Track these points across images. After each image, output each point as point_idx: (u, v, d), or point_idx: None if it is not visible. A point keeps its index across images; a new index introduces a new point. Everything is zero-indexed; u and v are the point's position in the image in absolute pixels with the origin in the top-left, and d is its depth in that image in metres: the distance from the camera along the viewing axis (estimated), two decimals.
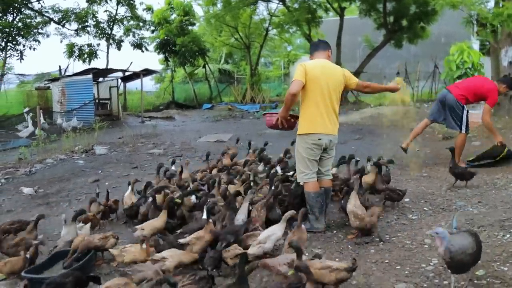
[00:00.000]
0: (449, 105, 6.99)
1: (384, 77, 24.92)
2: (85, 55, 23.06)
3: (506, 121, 10.51)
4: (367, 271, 3.56)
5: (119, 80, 19.81)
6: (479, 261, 3.46)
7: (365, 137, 10.91)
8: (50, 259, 4.21)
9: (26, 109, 14.98)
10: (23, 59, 20.33)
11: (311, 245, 4.19)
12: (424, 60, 21.53)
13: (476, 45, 16.85)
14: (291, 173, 5.53)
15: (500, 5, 10.55)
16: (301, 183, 4.61)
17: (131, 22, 24.70)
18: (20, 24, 20.16)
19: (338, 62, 20.50)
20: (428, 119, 7.61)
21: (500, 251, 3.64)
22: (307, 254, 3.76)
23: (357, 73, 20.66)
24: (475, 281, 3.23)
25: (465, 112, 6.92)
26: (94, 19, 23.31)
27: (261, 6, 24.09)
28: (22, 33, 19.94)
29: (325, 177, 4.66)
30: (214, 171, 6.51)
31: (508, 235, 3.97)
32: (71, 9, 22.49)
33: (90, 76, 16.52)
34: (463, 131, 6.96)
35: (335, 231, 4.59)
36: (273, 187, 4.82)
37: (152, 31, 25.22)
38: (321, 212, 4.53)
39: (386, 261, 3.72)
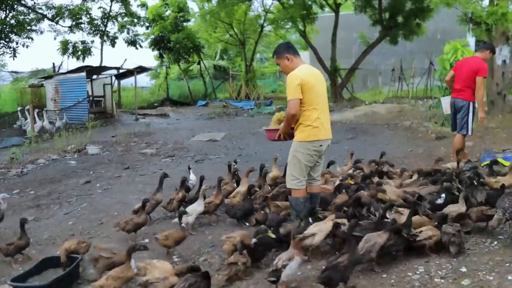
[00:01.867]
0: (458, 108, 6.82)
1: (379, 73, 24.97)
2: (79, 52, 22.94)
3: (499, 120, 10.52)
4: (352, 279, 3.54)
5: (113, 78, 19.72)
6: (464, 270, 3.49)
7: (359, 137, 10.89)
8: (38, 266, 4.16)
9: (27, 107, 14.87)
10: (16, 56, 20.21)
11: None
12: (420, 57, 21.51)
13: (472, 42, 16.82)
14: None
15: (495, 4, 10.54)
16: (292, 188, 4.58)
17: (125, 19, 24.55)
18: (13, 21, 20.00)
19: (333, 59, 20.54)
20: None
21: (487, 259, 3.63)
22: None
23: (352, 70, 20.71)
24: None
25: (470, 112, 6.72)
26: (88, 16, 23.16)
27: (256, 3, 24.11)
28: (15, 30, 19.78)
29: (316, 182, 4.66)
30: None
31: (495, 242, 3.97)
32: (65, 5, 22.34)
33: (84, 74, 16.43)
34: (469, 133, 6.84)
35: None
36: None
37: (147, 28, 25.13)
38: (299, 216, 4.49)
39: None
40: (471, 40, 15.53)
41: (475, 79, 6.60)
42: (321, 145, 4.45)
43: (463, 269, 3.52)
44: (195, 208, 4.96)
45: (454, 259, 3.70)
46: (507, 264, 3.55)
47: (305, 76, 4.31)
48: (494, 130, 9.64)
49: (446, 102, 8.05)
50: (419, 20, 18.62)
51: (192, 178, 6.28)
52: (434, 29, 22.88)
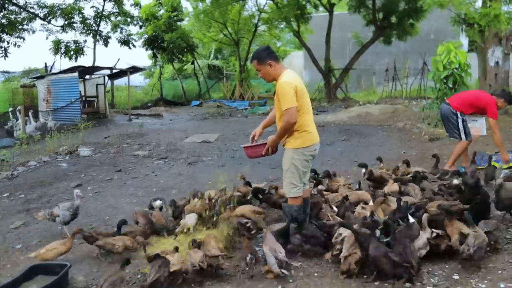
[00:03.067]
0: (444, 116, 6.98)
1: (373, 73, 25.01)
2: (72, 52, 22.78)
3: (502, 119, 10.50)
4: (344, 287, 3.51)
5: (106, 78, 19.61)
6: (457, 277, 3.46)
7: (352, 138, 10.86)
8: (26, 274, 4.08)
9: (18, 107, 14.73)
10: (7, 56, 20.06)
11: (292, 258, 4.11)
12: (413, 57, 21.57)
13: (465, 43, 16.89)
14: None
15: (487, 6, 10.55)
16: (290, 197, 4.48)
17: (119, 18, 24.41)
18: (4, 20, 19.84)
19: (327, 59, 20.55)
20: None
21: (480, 267, 3.61)
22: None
23: (346, 70, 20.72)
24: None
25: (460, 119, 6.77)
26: (81, 15, 22.99)
27: (250, 2, 24.09)
28: (6, 29, 19.62)
29: (306, 187, 4.61)
30: None
31: (488, 249, 3.94)
32: (57, 4, 22.16)
33: (76, 74, 16.31)
34: (464, 139, 6.83)
35: None
36: None
37: (140, 27, 25.01)
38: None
39: (365, 276, 3.66)
40: (465, 41, 15.57)
41: (476, 112, 6.75)
42: (315, 149, 4.44)
43: (456, 277, 3.50)
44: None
45: (447, 266, 3.68)
46: (500, 272, 3.53)
47: (297, 82, 4.26)
48: (487, 131, 9.61)
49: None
50: (412, 21, 18.68)
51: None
52: (428, 29, 22.94)
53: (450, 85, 10.38)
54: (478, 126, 7.12)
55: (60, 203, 5.32)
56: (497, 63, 10.95)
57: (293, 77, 4.26)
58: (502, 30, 10.88)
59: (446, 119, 6.94)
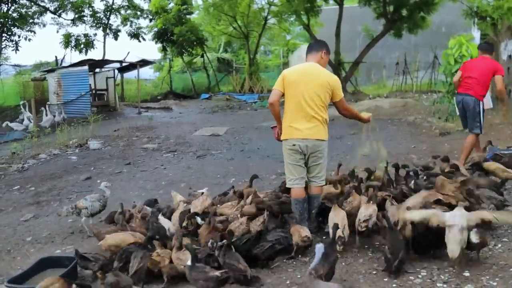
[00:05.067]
0: (468, 108, 6.64)
1: (384, 66, 24.81)
2: (82, 45, 22.88)
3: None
4: (354, 283, 3.49)
5: (116, 71, 19.67)
6: (467, 275, 3.42)
7: (361, 132, 10.77)
8: (36, 266, 4.11)
9: (23, 102, 14.83)
10: (18, 50, 20.20)
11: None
12: (424, 50, 21.34)
13: (477, 36, 16.64)
14: None
15: None
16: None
17: (128, 11, 24.49)
18: (15, 14, 19.95)
19: (337, 52, 20.38)
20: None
21: (491, 264, 3.56)
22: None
23: (356, 63, 20.56)
24: None
25: (481, 110, 6.56)
26: (91, 9, 23.10)
27: None
28: (17, 23, 19.72)
29: (312, 183, 4.55)
30: None
31: (499, 245, 3.89)
32: None
33: (86, 67, 16.38)
34: (481, 132, 6.66)
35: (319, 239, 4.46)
36: None
37: (150, 20, 25.01)
38: (302, 219, 4.44)
39: (374, 272, 3.65)
40: (476, 35, 15.36)
41: (491, 79, 6.53)
42: (294, 145, 4.40)
43: (466, 274, 3.44)
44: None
45: None
46: (511, 269, 3.48)
47: (289, 72, 4.50)
48: (498, 126, 9.51)
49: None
50: (423, 13, 18.42)
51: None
52: (439, 22, 22.68)
53: None
54: (485, 101, 6.97)
55: (88, 195, 5.28)
56: (509, 56, 10.76)
57: (293, 68, 4.62)
58: None
59: (471, 111, 6.61)
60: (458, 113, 7.05)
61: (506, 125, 9.49)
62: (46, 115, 14.21)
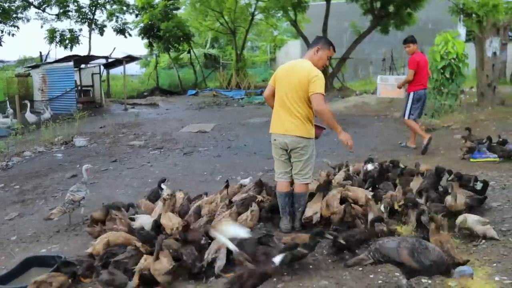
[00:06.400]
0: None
1: (370, 62, 24.91)
2: (67, 41, 22.63)
3: (489, 112, 10.53)
4: (340, 280, 3.51)
5: (102, 67, 19.47)
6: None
7: (348, 128, 10.80)
8: (21, 266, 4.05)
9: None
10: (1, 45, 19.90)
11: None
12: None
13: (463, 33, 16.82)
14: None
15: None
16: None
17: (114, 7, 24.22)
18: None
19: None
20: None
21: (473, 259, 3.61)
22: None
23: (343, 59, 20.62)
24: None
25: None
26: (76, 4, 22.82)
27: None
28: (0, 18, 19.41)
29: (295, 181, 4.55)
30: None
31: (483, 241, 3.93)
32: None
33: (71, 63, 16.19)
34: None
35: None
36: None
37: (136, 16, 24.80)
38: (283, 213, 4.52)
39: (360, 268, 3.66)
40: (462, 31, 15.51)
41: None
42: (275, 139, 4.49)
43: None
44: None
45: None
46: (495, 264, 3.52)
47: (279, 69, 4.56)
48: (483, 122, 9.64)
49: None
50: (410, 10, 18.53)
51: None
52: (425, 18, 22.83)
53: (447, 76, 10.38)
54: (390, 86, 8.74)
55: (72, 188, 5.31)
56: (494, 53, 10.89)
57: (281, 66, 4.65)
58: (500, 20, 10.82)
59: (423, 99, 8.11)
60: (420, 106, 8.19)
61: (491, 121, 9.63)
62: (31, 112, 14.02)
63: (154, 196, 5.50)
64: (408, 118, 8.04)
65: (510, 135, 8.07)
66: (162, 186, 5.52)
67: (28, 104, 13.93)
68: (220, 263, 3.63)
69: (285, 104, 4.37)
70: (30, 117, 13.51)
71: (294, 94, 4.33)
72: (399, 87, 8.62)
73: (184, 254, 3.64)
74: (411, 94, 7.94)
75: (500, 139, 6.99)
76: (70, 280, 3.58)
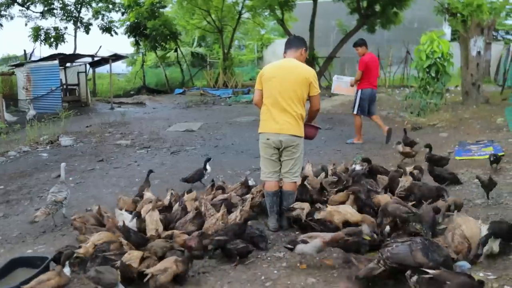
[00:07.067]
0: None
1: (357, 61, 25.02)
2: (52, 39, 22.36)
3: (473, 110, 10.66)
4: (327, 278, 3.53)
5: (88, 66, 19.30)
6: None
7: (335, 127, 10.91)
8: (6, 267, 4.00)
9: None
10: None
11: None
12: (397, 46, 21.64)
13: (448, 32, 17.01)
14: None
15: None
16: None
17: (100, 4, 24.01)
18: None
19: (311, 47, 20.48)
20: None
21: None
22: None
23: (330, 58, 20.72)
24: None
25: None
26: (61, 1, 22.55)
27: None
28: None
29: (285, 179, 4.56)
30: None
31: None
32: None
33: (57, 61, 16.02)
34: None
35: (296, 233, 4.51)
36: None
37: (122, 14, 24.59)
38: (271, 212, 4.54)
39: (347, 266, 3.69)
40: (447, 31, 15.69)
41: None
42: (268, 139, 4.45)
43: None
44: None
45: None
46: (479, 261, 3.56)
47: (266, 69, 4.55)
48: (468, 121, 9.76)
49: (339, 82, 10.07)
50: (396, 9, 18.69)
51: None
52: (411, 18, 23.03)
53: (433, 75, 10.51)
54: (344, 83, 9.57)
55: (52, 189, 5.27)
56: (479, 52, 11.03)
57: (270, 65, 4.63)
58: (484, 20, 10.97)
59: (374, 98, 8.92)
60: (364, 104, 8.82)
61: (475, 119, 9.75)
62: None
63: (198, 176, 6.11)
64: (357, 113, 8.84)
65: (494, 133, 8.19)
66: (207, 166, 5.72)
67: (4, 104, 13.74)
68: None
69: (279, 103, 4.37)
70: (8, 117, 13.34)
71: (291, 94, 4.35)
72: (352, 85, 9.23)
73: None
74: (359, 91, 8.82)
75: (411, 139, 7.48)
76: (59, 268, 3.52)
